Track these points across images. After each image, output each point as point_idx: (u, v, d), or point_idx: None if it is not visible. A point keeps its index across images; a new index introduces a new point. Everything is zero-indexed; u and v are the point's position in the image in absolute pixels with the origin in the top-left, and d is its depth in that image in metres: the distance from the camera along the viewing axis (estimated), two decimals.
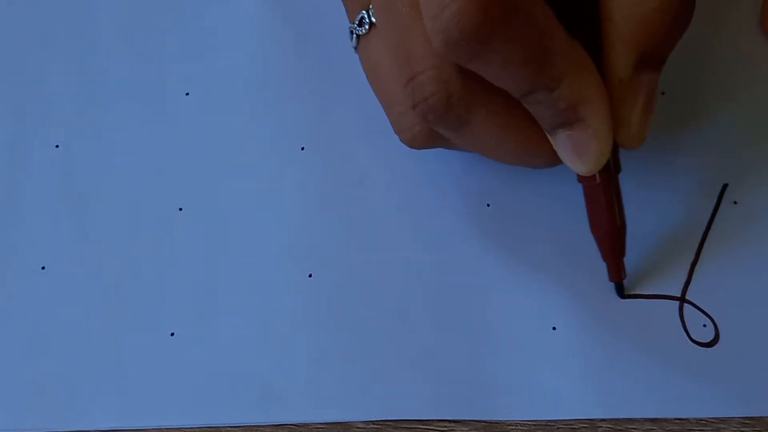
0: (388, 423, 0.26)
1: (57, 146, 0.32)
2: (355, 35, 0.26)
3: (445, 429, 0.26)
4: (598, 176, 0.24)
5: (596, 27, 0.22)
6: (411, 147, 0.26)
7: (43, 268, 0.30)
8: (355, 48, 0.26)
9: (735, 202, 0.28)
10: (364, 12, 0.25)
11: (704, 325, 0.26)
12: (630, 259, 0.27)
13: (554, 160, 0.24)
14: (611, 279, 0.26)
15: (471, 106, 0.23)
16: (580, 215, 0.26)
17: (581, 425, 0.26)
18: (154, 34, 0.33)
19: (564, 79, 0.21)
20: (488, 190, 0.29)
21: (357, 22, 0.25)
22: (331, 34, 0.32)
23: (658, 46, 0.22)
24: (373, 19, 0.25)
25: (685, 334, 0.26)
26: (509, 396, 0.26)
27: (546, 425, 0.26)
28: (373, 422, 0.26)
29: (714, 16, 0.30)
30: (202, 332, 0.28)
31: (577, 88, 0.21)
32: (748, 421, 0.25)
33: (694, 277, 0.27)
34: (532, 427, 0.26)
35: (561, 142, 0.22)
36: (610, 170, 0.24)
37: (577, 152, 0.22)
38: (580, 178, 0.25)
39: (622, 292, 0.27)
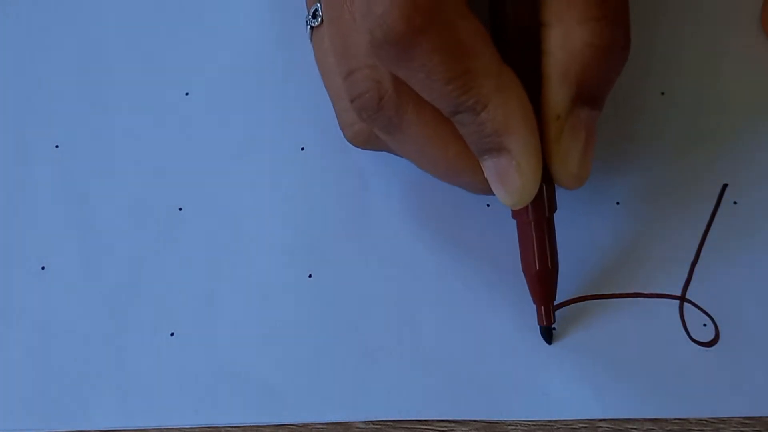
0: (388, 423, 0.26)
1: (57, 146, 0.32)
2: (309, 26, 0.26)
3: (445, 429, 0.26)
4: (530, 213, 0.23)
5: (538, 60, 0.22)
6: (353, 145, 0.26)
7: (43, 268, 0.30)
8: (310, 39, 0.27)
9: (735, 202, 0.28)
10: (317, 4, 0.25)
11: (704, 325, 0.26)
12: (630, 259, 0.27)
13: (486, 186, 0.23)
14: (539, 322, 0.26)
15: (402, 110, 0.22)
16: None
17: (581, 425, 0.26)
18: (154, 34, 0.33)
19: (489, 103, 0.20)
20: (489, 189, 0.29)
21: (311, 14, 0.26)
22: None
23: (593, 81, 0.22)
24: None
25: (685, 334, 0.26)
26: (509, 396, 0.26)
27: (546, 425, 0.26)
28: (373, 422, 0.26)
29: (714, 16, 0.31)
30: (202, 332, 0.28)
31: (502, 115, 0.21)
32: (748, 421, 0.25)
33: (694, 276, 0.27)
34: (532, 427, 0.26)
35: (487, 169, 0.22)
36: (543, 209, 0.23)
37: (501, 182, 0.22)
38: (513, 214, 0.24)
39: (549, 339, 0.26)
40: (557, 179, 0.23)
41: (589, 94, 0.22)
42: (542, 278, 0.25)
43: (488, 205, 0.29)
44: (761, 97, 0.29)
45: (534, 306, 0.26)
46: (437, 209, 0.29)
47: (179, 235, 0.30)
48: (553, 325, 0.26)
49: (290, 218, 0.29)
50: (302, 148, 0.31)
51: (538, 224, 0.24)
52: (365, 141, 0.26)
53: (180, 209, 0.30)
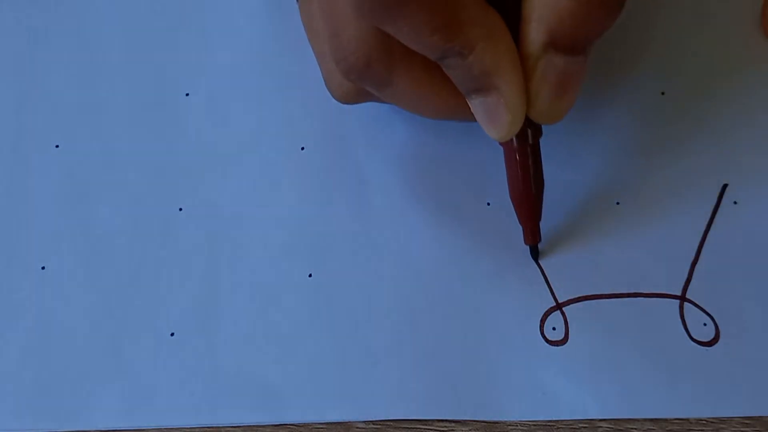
0: (389, 423, 0.26)
1: (57, 146, 0.32)
2: None
3: (446, 429, 0.26)
4: (515, 140, 0.24)
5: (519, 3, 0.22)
6: (343, 103, 0.26)
7: (43, 268, 0.30)
8: (297, 1, 0.27)
9: (735, 202, 0.28)
10: None
11: (704, 325, 0.26)
12: (630, 259, 0.27)
13: (474, 117, 0.24)
14: (525, 242, 0.27)
15: (391, 66, 0.23)
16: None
17: (581, 425, 0.26)
18: (154, 34, 0.33)
19: (476, 46, 0.21)
20: (488, 190, 0.29)
21: None
22: None
23: (569, 30, 0.21)
24: None
25: (685, 334, 0.26)
26: (509, 396, 0.26)
27: (546, 425, 0.26)
28: (373, 422, 0.26)
29: (714, 16, 0.31)
30: (202, 332, 0.28)
31: (490, 57, 0.21)
32: (748, 421, 0.25)
33: (694, 276, 0.27)
34: (532, 427, 0.26)
35: (475, 107, 0.23)
36: (527, 136, 0.24)
37: (490, 119, 0.22)
38: (500, 142, 0.25)
39: (536, 256, 0.27)
40: (529, 114, 0.23)
41: (565, 43, 0.22)
42: (527, 199, 0.26)
43: (488, 204, 0.29)
44: (761, 97, 0.29)
45: (534, 305, 0.26)
46: (437, 209, 0.29)
47: (179, 235, 0.30)
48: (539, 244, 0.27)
49: (290, 218, 0.29)
50: (302, 148, 0.31)
51: (522, 151, 0.25)
52: (355, 98, 0.26)
53: (180, 209, 0.30)
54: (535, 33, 0.22)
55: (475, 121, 0.24)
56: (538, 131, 0.25)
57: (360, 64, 0.23)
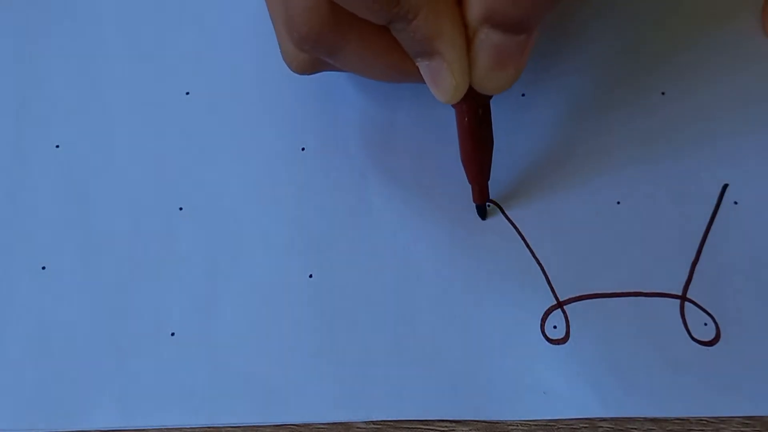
0: (389, 423, 0.26)
1: (57, 146, 0.32)
2: None
3: (446, 429, 0.26)
4: (462, 103, 0.25)
5: None
6: (299, 73, 0.27)
7: (43, 268, 0.30)
8: None
9: (735, 202, 0.28)
10: None
11: (705, 324, 0.26)
12: (631, 258, 0.27)
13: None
14: (473, 200, 0.28)
15: (342, 33, 0.23)
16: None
17: (581, 425, 0.26)
18: (154, 33, 0.33)
19: (420, 12, 0.21)
20: (490, 191, 0.29)
21: None
22: None
23: (505, 10, 0.22)
24: None
25: (686, 333, 0.26)
26: (509, 396, 0.26)
27: (546, 425, 0.26)
28: (373, 422, 0.26)
29: (714, 16, 0.31)
30: (203, 332, 0.28)
31: (433, 22, 0.22)
32: (748, 421, 0.25)
33: (694, 276, 0.27)
34: (533, 427, 0.26)
35: (422, 70, 0.23)
36: (474, 98, 0.24)
37: (435, 82, 0.23)
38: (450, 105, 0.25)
39: (483, 215, 0.28)
40: (471, 81, 0.24)
41: (502, 21, 0.22)
42: (474, 158, 0.26)
43: (489, 205, 0.29)
44: (761, 97, 0.29)
45: (534, 306, 0.26)
46: (437, 209, 0.29)
47: (179, 235, 0.30)
48: (487, 203, 0.28)
49: (290, 218, 0.29)
50: (302, 148, 0.31)
51: (469, 113, 0.25)
52: (311, 68, 0.26)
53: (180, 209, 0.30)
54: (475, 5, 0.22)
55: (421, 82, 0.24)
56: (485, 96, 0.25)
57: (312, 34, 0.23)
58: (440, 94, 0.23)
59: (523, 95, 0.30)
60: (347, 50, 0.24)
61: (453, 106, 0.25)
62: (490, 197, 0.28)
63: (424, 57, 0.23)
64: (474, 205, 0.28)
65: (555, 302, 0.27)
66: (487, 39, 0.22)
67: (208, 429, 0.27)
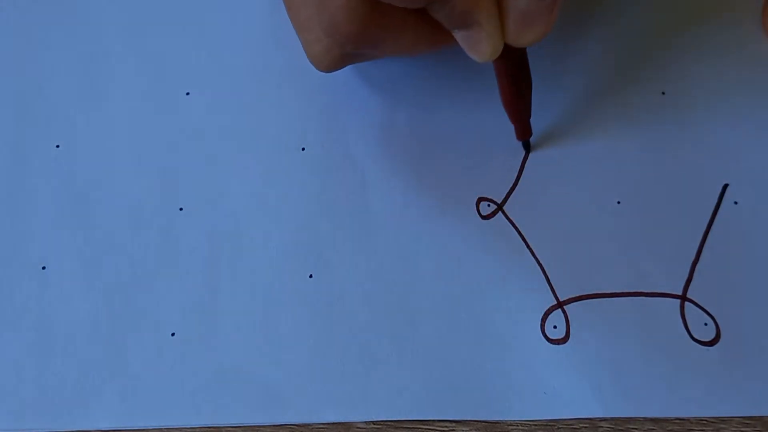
0: (389, 423, 0.26)
1: (58, 146, 0.32)
2: None
3: (446, 429, 0.26)
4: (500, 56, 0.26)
5: None
6: (326, 71, 0.27)
7: (43, 268, 0.30)
8: None
9: (736, 202, 0.28)
10: None
11: (705, 324, 0.26)
12: (631, 258, 0.27)
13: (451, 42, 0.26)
14: (518, 138, 0.29)
15: (383, 26, 0.24)
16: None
17: (581, 425, 0.26)
18: (155, 33, 0.33)
19: None
20: (489, 190, 0.29)
21: None
22: None
23: None
24: None
25: (686, 333, 0.26)
26: (510, 395, 0.26)
27: (546, 425, 0.26)
28: (373, 422, 0.26)
29: (714, 16, 0.31)
30: (203, 332, 0.28)
31: None
32: (748, 421, 0.25)
33: (695, 275, 0.27)
34: (533, 427, 0.26)
35: (460, 39, 0.25)
36: (509, 50, 0.25)
37: (473, 48, 0.24)
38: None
39: (528, 148, 0.29)
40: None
41: None
42: (513, 100, 0.27)
43: (489, 205, 0.29)
44: (761, 97, 0.29)
45: (534, 306, 0.27)
46: (437, 209, 0.29)
47: (180, 235, 0.30)
48: (488, 203, 0.29)
49: (290, 218, 0.29)
50: (302, 148, 0.31)
51: (507, 61, 0.26)
52: (339, 64, 0.27)
53: (180, 209, 0.30)
54: None
55: (450, 45, 0.25)
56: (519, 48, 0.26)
57: (356, 32, 0.24)
58: (479, 56, 0.25)
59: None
60: (388, 40, 0.25)
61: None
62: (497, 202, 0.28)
63: (462, 28, 0.24)
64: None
65: (555, 302, 0.27)
66: (514, 4, 0.23)
67: (208, 429, 0.27)
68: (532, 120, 0.28)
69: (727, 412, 0.25)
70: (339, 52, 0.26)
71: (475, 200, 0.29)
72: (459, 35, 0.24)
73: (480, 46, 0.24)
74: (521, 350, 0.26)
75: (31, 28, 0.34)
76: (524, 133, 0.29)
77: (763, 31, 0.30)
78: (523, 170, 0.29)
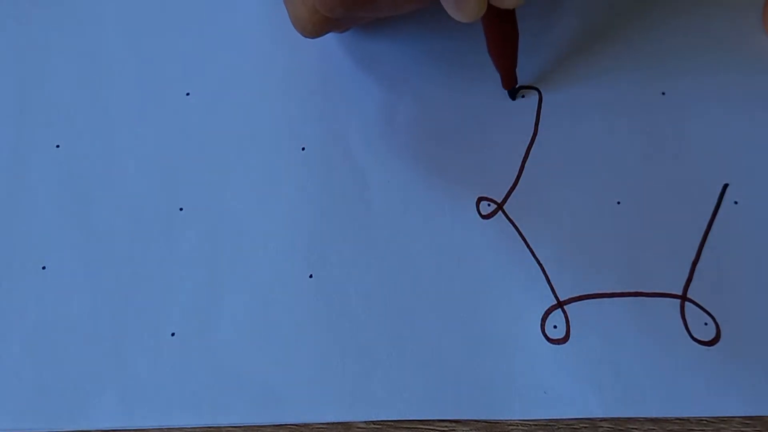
0: (389, 423, 0.26)
1: (58, 146, 0.32)
2: None
3: (446, 429, 0.26)
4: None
5: None
6: (311, 36, 0.28)
7: (43, 268, 0.30)
8: None
9: (735, 202, 0.28)
10: None
11: (705, 324, 0.26)
12: (631, 258, 0.27)
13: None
14: (504, 86, 0.30)
15: None
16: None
17: (581, 425, 0.26)
18: (155, 34, 0.33)
19: None
20: (487, 190, 0.29)
21: None
22: (331, 34, 0.32)
23: None
24: None
25: (686, 333, 0.26)
26: (510, 396, 0.26)
27: (546, 425, 0.26)
28: (373, 422, 0.26)
29: (714, 15, 0.31)
30: (203, 332, 0.28)
31: None
32: (748, 421, 0.25)
33: (695, 275, 0.27)
34: (533, 427, 0.26)
35: (445, 1, 0.25)
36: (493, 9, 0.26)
37: (458, 7, 0.25)
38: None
39: (513, 96, 0.30)
40: None
41: None
42: (499, 51, 0.28)
43: (489, 204, 0.29)
44: (761, 97, 0.29)
45: (534, 306, 0.26)
46: (437, 209, 0.29)
47: (179, 235, 0.30)
48: (517, 86, 0.30)
49: (290, 218, 0.29)
50: (302, 148, 0.31)
51: (493, 16, 0.26)
52: (324, 30, 0.27)
53: (180, 209, 0.30)
54: None
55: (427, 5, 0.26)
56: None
57: None
58: (464, 16, 0.25)
59: (522, 96, 0.30)
60: (380, 1, 0.26)
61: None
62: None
63: None
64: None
65: (555, 302, 0.27)
66: None
67: (208, 429, 0.27)
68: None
69: (727, 412, 0.25)
70: (318, 17, 0.26)
71: (475, 200, 0.29)
72: None
73: (464, 7, 0.25)
74: (521, 350, 0.26)
75: (31, 28, 0.34)
76: (509, 82, 0.30)
77: (764, 31, 0.30)
78: (523, 170, 0.29)
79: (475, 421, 0.26)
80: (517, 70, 0.29)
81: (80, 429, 0.27)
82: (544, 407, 0.26)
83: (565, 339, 0.26)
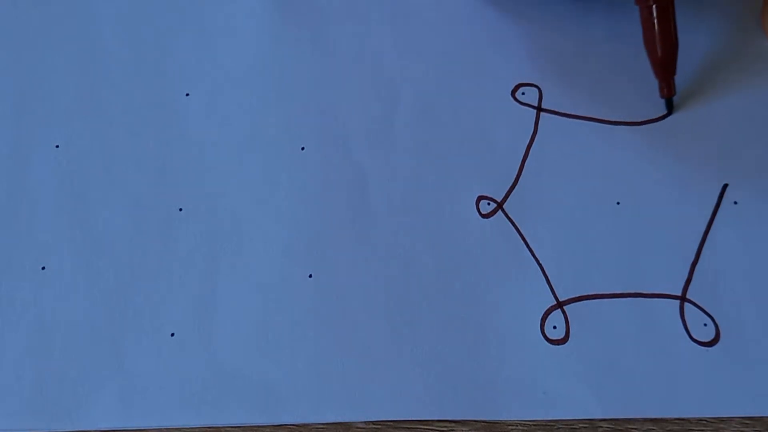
0: (389, 423, 0.26)
1: (57, 146, 0.32)
2: None
3: (446, 429, 0.26)
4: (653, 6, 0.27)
5: None
6: None
7: (43, 268, 0.30)
8: None
9: (735, 202, 0.28)
10: None
11: (705, 325, 0.26)
12: (631, 259, 0.27)
13: None
14: (661, 95, 0.29)
15: None
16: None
17: (581, 425, 0.26)
18: (154, 34, 0.33)
19: None
20: (488, 190, 0.29)
21: None
22: (331, 34, 0.32)
23: None
24: None
25: (685, 334, 0.26)
26: (509, 396, 0.26)
27: (546, 425, 0.26)
28: (373, 422, 0.26)
29: (714, 16, 0.31)
30: (202, 332, 0.28)
31: None
32: (748, 421, 0.25)
33: (694, 276, 0.27)
34: (532, 427, 0.26)
35: None
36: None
37: None
38: (636, 1, 0.27)
39: (671, 108, 0.29)
40: None
41: None
42: (661, 55, 0.28)
43: (489, 203, 0.29)
44: (761, 97, 0.29)
45: (534, 307, 0.26)
46: (437, 209, 0.29)
47: (179, 235, 0.30)
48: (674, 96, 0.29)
49: (290, 218, 0.29)
50: (302, 148, 0.31)
51: (660, 8, 0.27)
52: None
53: (180, 209, 0.30)
54: None
55: None
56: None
57: None
58: None
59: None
60: None
61: (637, 2, 0.28)
62: None
63: None
64: None
65: (555, 302, 0.27)
66: None
67: (208, 429, 0.27)
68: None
69: (727, 412, 0.25)
70: None
71: (475, 199, 0.29)
72: None
73: None
74: (521, 350, 0.26)
75: (31, 29, 0.34)
76: (669, 90, 0.29)
77: (763, 32, 0.30)
78: (523, 169, 0.29)
79: (475, 421, 0.26)
80: (516, 66, 0.29)
81: (80, 429, 0.27)
82: (544, 407, 0.26)
83: (565, 339, 0.26)
